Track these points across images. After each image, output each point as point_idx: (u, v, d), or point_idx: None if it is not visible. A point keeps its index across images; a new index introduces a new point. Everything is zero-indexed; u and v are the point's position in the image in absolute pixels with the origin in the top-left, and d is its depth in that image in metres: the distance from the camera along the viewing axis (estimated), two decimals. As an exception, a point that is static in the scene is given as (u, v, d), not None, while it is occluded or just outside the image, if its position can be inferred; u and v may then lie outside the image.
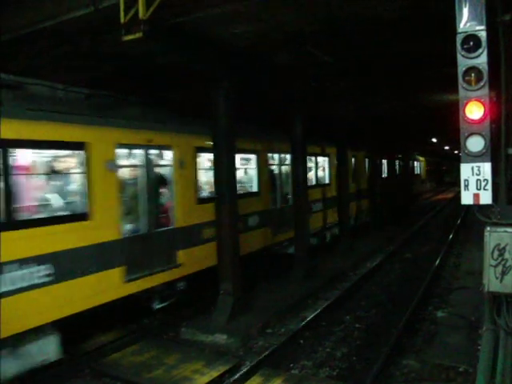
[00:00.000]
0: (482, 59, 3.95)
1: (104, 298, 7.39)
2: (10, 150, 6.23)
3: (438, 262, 13.32)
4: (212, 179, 9.76)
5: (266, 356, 7.22)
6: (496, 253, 3.97)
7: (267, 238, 12.01)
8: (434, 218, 26.20)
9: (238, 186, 9.93)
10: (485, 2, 3.94)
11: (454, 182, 50.14)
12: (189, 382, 6.47)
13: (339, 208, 15.91)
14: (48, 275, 6.51)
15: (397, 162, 26.22)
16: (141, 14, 5.82)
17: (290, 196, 13.35)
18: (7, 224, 6.05)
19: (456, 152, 48.37)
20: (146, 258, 8.29)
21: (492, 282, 4.01)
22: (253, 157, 12.00)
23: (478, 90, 3.96)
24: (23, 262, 6.20)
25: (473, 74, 3.97)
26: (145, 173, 8.58)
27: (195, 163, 9.89)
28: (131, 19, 5.93)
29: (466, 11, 4.02)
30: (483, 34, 3.94)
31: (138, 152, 8.56)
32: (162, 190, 9.14)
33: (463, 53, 4.02)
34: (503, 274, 3.96)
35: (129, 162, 8.53)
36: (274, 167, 13.19)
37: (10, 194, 6.12)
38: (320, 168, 16.30)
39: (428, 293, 10.54)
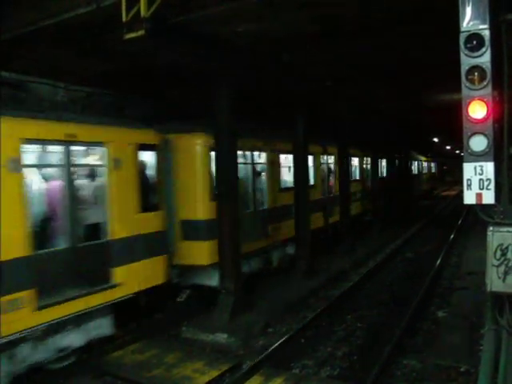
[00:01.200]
0: (485, 58, 3.91)
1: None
2: (280, 155, 12.77)
3: (439, 261, 13.30)
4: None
5: (267, 355, 7.21)
6: (499, 252, 3.94)
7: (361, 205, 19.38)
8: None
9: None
10: (488, 0, 3.92)
11: (456, 181, 50.54)
12: (189, 381, 6.47)
13: (341, 206, 16.05)
14: (285, 215, 12.41)
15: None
16: (143, 12, 5.82)
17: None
18: (280, 189, 12.59)
19: (458, 152, 48.48)
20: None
21: (494, 281, 3.99)
22: (357, 159, 19.72)
23: (481, 89, 3.93)
24: (283, 207, 12.43)
25: (476, 73, 3.93)
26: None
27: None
28: (133, 17, 5.92)
29: (469, 10, 3.97)
30: (486, 33, 3.90)
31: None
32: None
33: (466, 52, 3.97)
34: (506, 273, 3.93)
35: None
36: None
37: (278, 175, 12.65)
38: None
39: (429, 293, 10.53)
